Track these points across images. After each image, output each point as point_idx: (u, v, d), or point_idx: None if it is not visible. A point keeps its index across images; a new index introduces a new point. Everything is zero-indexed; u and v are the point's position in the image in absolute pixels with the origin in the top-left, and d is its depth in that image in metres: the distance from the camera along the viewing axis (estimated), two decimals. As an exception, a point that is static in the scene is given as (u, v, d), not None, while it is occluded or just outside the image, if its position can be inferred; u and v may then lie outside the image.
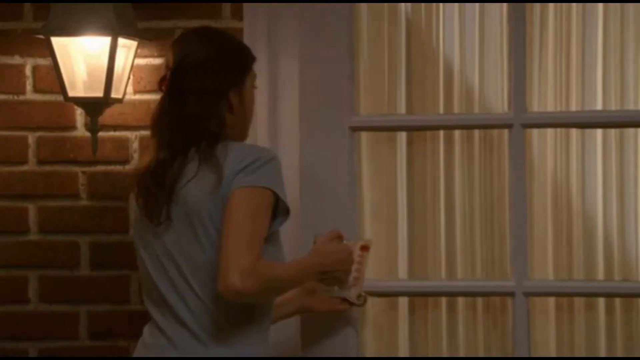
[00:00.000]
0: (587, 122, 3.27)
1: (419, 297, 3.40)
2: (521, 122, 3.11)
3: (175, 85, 2.72)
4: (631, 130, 3.40)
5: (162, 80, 2.75)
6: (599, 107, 3.41)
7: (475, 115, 3.41)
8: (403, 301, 3.44)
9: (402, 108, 3.43)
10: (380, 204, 3.43)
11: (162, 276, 2.72)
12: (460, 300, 3.42)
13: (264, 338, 2.72)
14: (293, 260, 2.76)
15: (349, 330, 3.07)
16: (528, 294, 3.15)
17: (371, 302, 3.26)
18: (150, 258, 2.75)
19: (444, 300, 3.42)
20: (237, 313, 2.66)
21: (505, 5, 3.32)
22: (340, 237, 2.79)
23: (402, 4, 3.39)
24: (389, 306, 3.45)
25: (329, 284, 2.80)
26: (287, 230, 3.16)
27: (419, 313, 3.44)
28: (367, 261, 2.86)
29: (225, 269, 2.54)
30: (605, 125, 3.30)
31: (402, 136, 3.42)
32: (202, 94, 2.70)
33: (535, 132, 3.38)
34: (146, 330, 2.79)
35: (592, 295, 3.34)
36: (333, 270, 2.74)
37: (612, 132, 3.42)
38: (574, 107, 3.43)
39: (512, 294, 3.14)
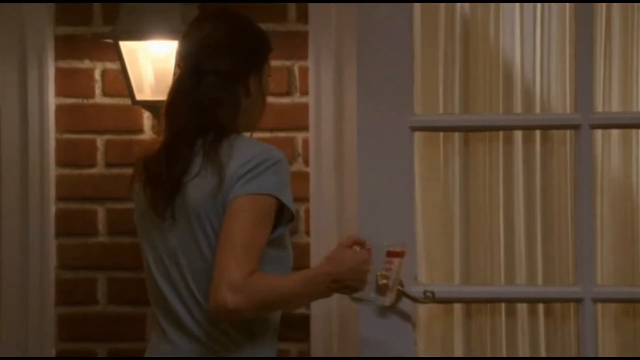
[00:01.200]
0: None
1: (478, 303, 3.27)
2: (589, 123, 2.94)
3: (194, 65, 2.55)
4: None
5: (179, 62, 2.60)
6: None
7: (540, 115, 3.30)
8: (458, 308, 3.33)
9: (455, 108, 3.34)
10: (434, 206, 3.33)
11: (165, 279, 2.55)
12: (519, 307, 3.30)
13: (273, 345, 2.57)
14: (299, 272, 2.55)
15: (406, 335, 2.92)
16: (597, 300, 2.99)
17: (425, 308, 3.10)
18: (154, 258, 2.56)
19: (503, 307, 3.29)
20: (243, 321, 2.49)
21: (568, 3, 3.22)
22: (358, 243, 2.59)
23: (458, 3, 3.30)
24: (443, 313, 3.33)
25: (343, 293, 2.59)
26: (344, 232, 3.13)
27: (475, 320, 3.32)
28: (398, 267, 2.66)
29: (215, 285, 2.37)
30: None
31: (457, 136, 3.32)
32: (221, 75, 2.54)
33: (598, 132, 3.24)
34: (153, 336, 2.64)
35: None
36: (345, 279, 2.52)
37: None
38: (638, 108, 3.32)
39: (579, 300, 2.97)
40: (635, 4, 3.30)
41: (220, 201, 2.44)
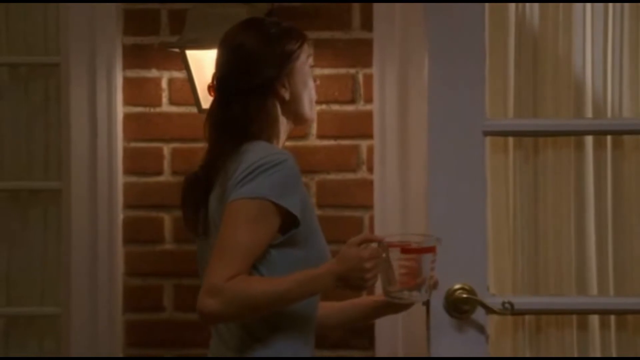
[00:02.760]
0: None
1: (559, 315, 3.10)
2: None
3: (224, 87, 2.48)
4: None
5: (210, 87, 2.52)
6: None
7: (617, 120, 3.15)
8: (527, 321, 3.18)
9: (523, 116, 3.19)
10: (499, 215, 3.18)
11: None
12: (590, 318, 3.13)
13: (298, 342, 2.44)
14: (301, 272, 2.40)
15: (480, 347, 2.70)
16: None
17: (492, 321, 2.89)
18: (200, 268, 2.52)
19: (574, 319, 3.13)
20: (265, 318, 2.40)
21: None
22: (370, 241, 2.42)
23: (528, 4, 3.17)
24: (513, 326, 3.17)
25: (351, 290, 2.44)
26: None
27: (545, 333, 3.16)
28: (423, 264, 2.44)
29: (201, 290, 2.32)
30: None
31: (524, 142, 3.17)
32: (250, 93, 2.46)
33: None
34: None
35: None
36: (349, 277, 2.37)
37: None
38: None
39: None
40: None
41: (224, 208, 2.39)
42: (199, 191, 2.44)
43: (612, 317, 3.11)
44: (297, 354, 2.43)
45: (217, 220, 2.39)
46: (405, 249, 2.41)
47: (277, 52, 2.46)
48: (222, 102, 2.46)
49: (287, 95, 2.46)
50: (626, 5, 3.12)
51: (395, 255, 2.40)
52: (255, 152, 2.38)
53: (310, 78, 2.51)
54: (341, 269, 2.34)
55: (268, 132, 2.45)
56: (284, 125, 2.49)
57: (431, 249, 2.43)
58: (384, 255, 2.38)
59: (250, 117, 2.42)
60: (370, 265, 2.35)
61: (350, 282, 2.35)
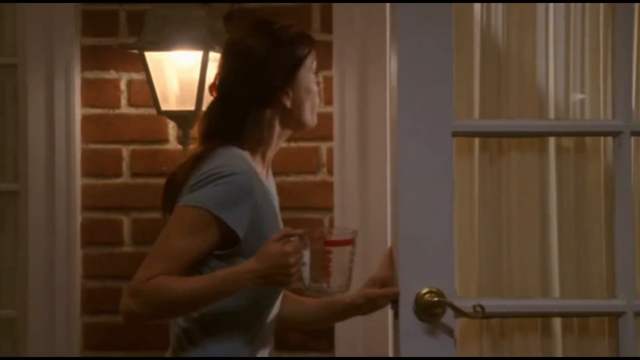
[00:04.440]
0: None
1: (511, 318, 3.04)
2: (631, 130, 2.60)
3: (226, 93, 2.38)
4: None
5: (212, 87, 2.43)
6: None
7: (583, 122, 3.09)
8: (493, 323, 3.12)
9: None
10: (463, 215, 3.10)
11: None
12: (554, 321, 3.06)
13: (240, 344, 2.35)
14: (221, 270, 2.33)
15: (449, 349, 2.56)
16: (639, 314, 2.62)
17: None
18: None
19: (539, 322, 3.07)
20: (202, 321, 2.33)
21: (602, 4, 3.05)
22: (290, 236, 2.33)
23: (493, 4, 3.11)
24: (477, 330, 3.11)
25: (272, 287, 2.38)
26: (368, 241, 3.01)
27: (509, 337, 3.10)
28: (343, 256, 2.38)
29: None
30: None
31: (489, 144, 3.11)
32: (251, 103, 2.36)
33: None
34: None
35: None
36: (271, 274, 2.29)
37: None
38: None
39: (620, 314, 2.60)
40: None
41: None
42: (174, 191, 2.36)
43: (575, 321, 3.04)
44: (232, 355, 2.34)
45: None
46: (327, 242, 2.35)
47: (284, 61, 2.35)
48: (222, 106, 2.36)
49: (288, 104, 2.37)
50: (587, 7, 3.08)
51: (317, 248, 2.33)
52: (212, 161, 2.30)
53: (313, 83, 2.42)
54: (262, 266, 2.26)
55: (255, 140, 2.36)
56: (278, 132, 2.39)
57: (350, 241, 2.38)
58: (306, 249, 2.31)
59: (247, 125, 2.34)
60: (294, 260, 2.28)
61: (273, 278, 2.28)
